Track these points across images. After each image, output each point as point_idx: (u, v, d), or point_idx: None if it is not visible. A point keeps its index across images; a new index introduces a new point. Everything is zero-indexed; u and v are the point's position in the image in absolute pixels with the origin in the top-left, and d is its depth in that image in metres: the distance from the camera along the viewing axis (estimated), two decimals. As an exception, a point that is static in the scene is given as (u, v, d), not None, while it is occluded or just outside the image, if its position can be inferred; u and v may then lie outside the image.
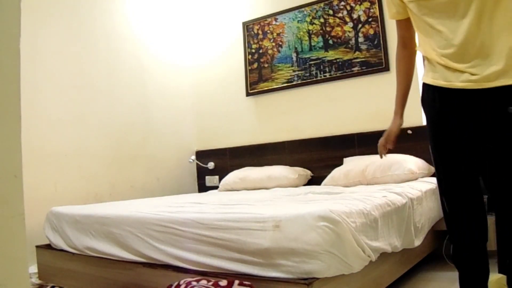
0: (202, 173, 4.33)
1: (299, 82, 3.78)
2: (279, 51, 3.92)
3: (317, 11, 3.72)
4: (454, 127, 1.53)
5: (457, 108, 1.51)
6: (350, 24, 3.55)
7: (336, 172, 3.17)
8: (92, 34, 3.57)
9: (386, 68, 3.37)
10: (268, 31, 3.99)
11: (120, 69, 3.77)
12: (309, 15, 3.76)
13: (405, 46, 1.76)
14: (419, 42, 1.66)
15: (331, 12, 3.65)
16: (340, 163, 3.34)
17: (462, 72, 1.47)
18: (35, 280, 2.56)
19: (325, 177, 3.24)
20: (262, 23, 4.03)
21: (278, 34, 3.93)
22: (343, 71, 3.56)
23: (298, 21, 3.82)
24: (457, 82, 1.48)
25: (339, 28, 3.61)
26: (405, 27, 1.70)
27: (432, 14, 1.54)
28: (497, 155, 1.48)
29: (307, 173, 3.57)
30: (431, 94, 1.60)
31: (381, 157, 1.97)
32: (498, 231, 1.57)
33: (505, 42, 1.43)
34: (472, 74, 1.45)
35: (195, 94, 4.45)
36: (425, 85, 1.64)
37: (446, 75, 1.52)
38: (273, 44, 3.96)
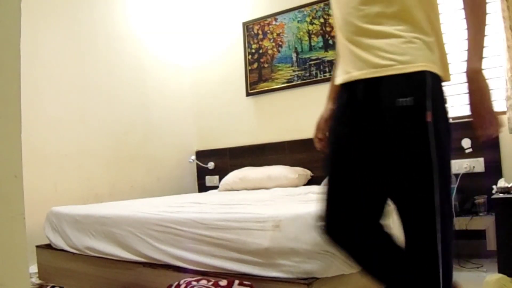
0: (202, 173, 4.33)
1: (299, 82, 3.78)
2: (279, 51, 3.92)
3: (317, 11, 3.72)
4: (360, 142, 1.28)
5: (361, 105, 1.22)
6: (350, 24, 3.55)
7: (336, 172, 3.17)
8: (92, 34, 3.57)
9: (386, 68, 3.36)
10: (268, 31, 3.99)
11: (120, 69, 3.77)
12: (309, 15, 3.76)
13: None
14: (335, 25, 1.34)
15: (331, 12, 3.64)
16: (340, 163, 3.33)
17: (361, 55, 1.19)
18: (35, 280, 2.56)
19: (325, 177, 3.23)
20: (262, 23, 4.02)
21: (278, 34, 3.93)
22: (343, 71, 3.56)
23: (298, 21, 3.82)
24: (356, 71, 1.20)
25: (339, 28, 3.60)
26: None
27: None
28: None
29: (307, 173, 3.57)
30: (338, 95, 1.34)
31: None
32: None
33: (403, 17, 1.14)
34: (370, 57, 1.16)
35: (195, 94, 4.45)
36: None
37: (346, 68, 1.24)
38: (273, 44, 3.95)
